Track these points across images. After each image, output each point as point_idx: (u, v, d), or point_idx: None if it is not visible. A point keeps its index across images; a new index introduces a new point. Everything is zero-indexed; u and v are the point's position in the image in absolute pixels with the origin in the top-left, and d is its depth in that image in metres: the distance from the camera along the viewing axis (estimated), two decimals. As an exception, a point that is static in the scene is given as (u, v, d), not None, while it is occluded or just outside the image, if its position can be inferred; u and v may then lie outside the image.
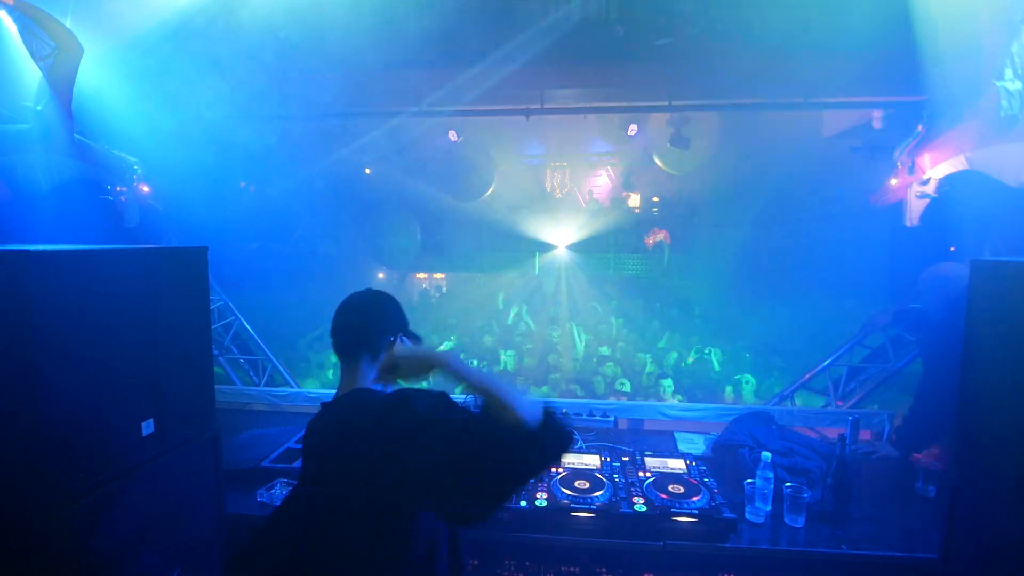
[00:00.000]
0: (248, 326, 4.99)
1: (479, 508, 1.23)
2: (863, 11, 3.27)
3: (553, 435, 1.19)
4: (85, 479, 1.57)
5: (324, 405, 1.46)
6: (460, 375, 1.26)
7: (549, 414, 1.21)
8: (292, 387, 4.63)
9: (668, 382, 5.47)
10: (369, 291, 1.57)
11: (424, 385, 1.37)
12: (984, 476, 1.63)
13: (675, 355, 6.70)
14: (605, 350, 6.66)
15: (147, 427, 1.77)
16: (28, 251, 1.42)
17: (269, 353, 4.87)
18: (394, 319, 1.53)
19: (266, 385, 4.68)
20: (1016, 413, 1.51)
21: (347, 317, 1.49)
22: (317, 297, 8.91)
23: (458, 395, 1.28)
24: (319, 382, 6.09)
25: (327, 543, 1.31)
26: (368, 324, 1.49)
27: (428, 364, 1.33)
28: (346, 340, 1.48)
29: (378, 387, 1.46)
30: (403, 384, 1.39)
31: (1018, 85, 3.01)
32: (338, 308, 1.52)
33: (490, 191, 7.96)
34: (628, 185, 9.81)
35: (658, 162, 7.09)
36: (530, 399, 1.20)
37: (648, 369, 6.24)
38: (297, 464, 2.52)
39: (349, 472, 1.28)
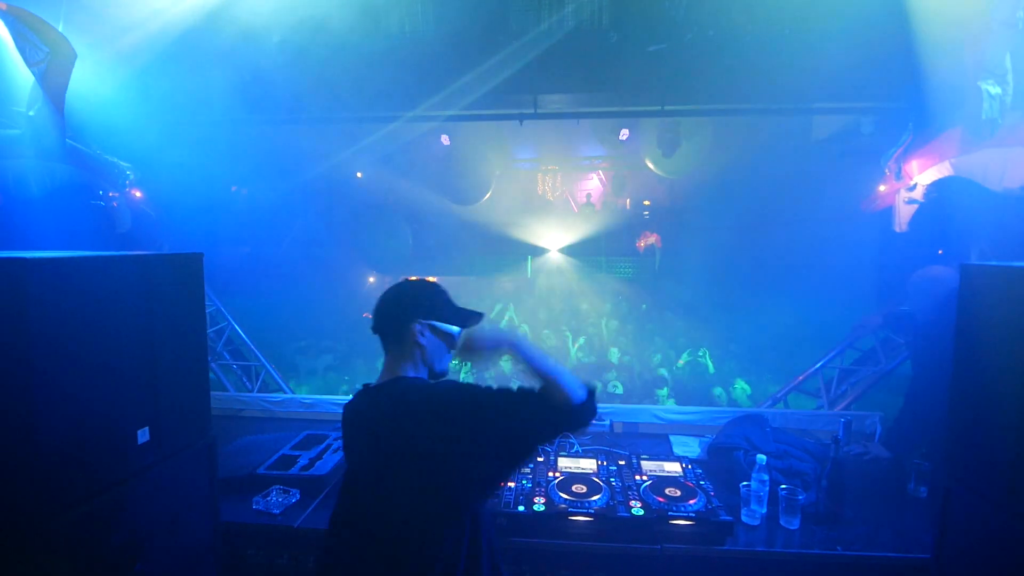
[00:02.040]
0: (241, 331, 4.96)
1: (506, 474, 1.47)
2: (852, 18, 3.32)
3: (584, 414, 1.37)
4: (80, 488, 1.56)
5: (365, 388, 1.56)
6: (527, 361, 1.38)
7: (590, 395, 1.38)
8: (286, 393, 4.60)
9: (664, 391, 5.51)
10: (404, 281, 1.64)
11: (494, 369, 1.57)
12: (975, 477, 1.66)
13: (659, 356, 6.76)
14: (614, 354, 6.66)
15: (143, 435, 1.76)
16: (22, 258, 1.40)
17: (262, 359, 4.84)
18: (418, 307, 1.55)
19: (259, 391, 4.64)
20: (1006, 414, 1.54)
21: (378, 306, 1.58)
22: (309, 302, 8.88)
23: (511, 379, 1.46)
24: (309, 387, 6.05)
25: (375, 524, 1.42)
26: (390, 314, 1.56)
27: (498, 348, 1.44)
28: (377, 328, 1.57)
29: (414, 375, 1.54)
30: (471, 367, 1.62)
31: (999, 90, 3.07)
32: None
33: (488, 195, 7.99)
34: (619, 189, 9.87)
35: (651, 166, 7.14)
36: (578, 382, 1.37)
37: (638, 370, 6.27)
38: (292, 471, 2.52)
39: (395, 454, 1.40)
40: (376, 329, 1.57)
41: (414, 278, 1.66)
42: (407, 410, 1.41)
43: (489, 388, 1.40)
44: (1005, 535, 1.53)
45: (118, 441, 1.68)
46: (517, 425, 1.35)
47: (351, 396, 1.61)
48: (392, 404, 1.45)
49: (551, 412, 1.34)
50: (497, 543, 1.59)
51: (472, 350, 1.46)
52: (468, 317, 1.61)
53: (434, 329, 1.55)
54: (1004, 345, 1.55)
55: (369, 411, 1.50)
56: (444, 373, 1.61)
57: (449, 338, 1.58)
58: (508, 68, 3.85)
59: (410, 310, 1.54)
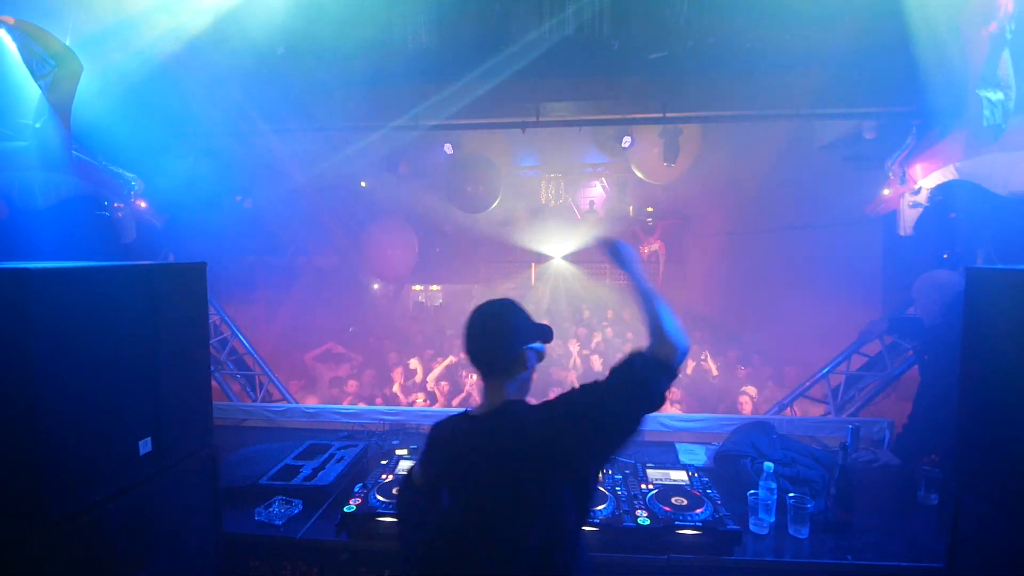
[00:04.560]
0: (244, 341, 4.96)
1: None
2: (853, 23, 3.33)
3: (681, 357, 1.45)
4: (82, 498, 1.55)
5: (467, 415, 1.57)
6: (640, 284, 1.56)
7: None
8: (289, 403, 4.59)
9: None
10: (491, 307, 1.59)
11: None
12: (987, 484, 1.63)
13: None
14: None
15: (145, 445, 1.75)
16: (26, 269, 1.41)
17: (266, 368, 4.84)
18: (520, 335, 1.55)
19: (263, 401, 4.64)
20: (1016, 418, 1.51)
21: (477, 342, 1.54)
22: (314, 310, 8.89)
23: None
24: (319, 397, 6.03)
25: (493, 555, 1.41)
26: (502, 345, 1.53)
27: (626, 266, 1.65)
28: (483, 365, 1.54)
29: (518, 398, 1.55)
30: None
31: (1000, 96, 3.06)
32: (469, 326, 1.55)
33: (496, 202, 8.01)
34: (622, 196, 9.89)
35: (637, 172, 7.15)
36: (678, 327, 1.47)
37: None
38: (295, 482, 2.50)
39: (512, 481, 1.41)
40: (487, 360, 1.54)
41: (497, 300, 1.62)
42: (537, 433, 1.42)
43: (591, 383, 1.46)
44: (1018, 543, 1.50)
45: (120, 451, 1.68)
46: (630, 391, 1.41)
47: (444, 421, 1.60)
48: (519, 428, 1.45)
49: (659, 357, 1.43)
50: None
51: (616, 258, 1.67)
52: (549, 333, 1.63)
53: (536, 353, 1.57)
54: (1011, 349, 1.53)
55: (488, 440, 1.48)
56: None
57: (541, 355, 1.60)
58: (509, 76, 3.87)
59: (520, 338, 1.54)
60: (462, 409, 1.63)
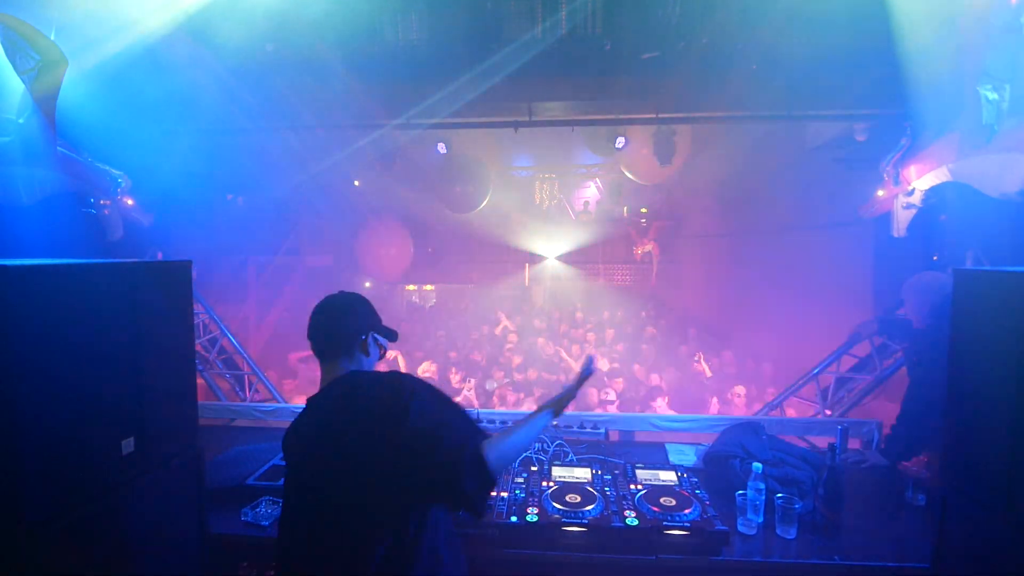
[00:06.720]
0: (234, 340, 4.92)
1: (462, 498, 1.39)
2: (845, 25, 3.34)
3: (476, 490, 1.40)
4: (63, 500, 1.53)
5: (309, 400, 1.59)
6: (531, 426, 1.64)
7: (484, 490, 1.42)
8: (278, 402, 4.56)
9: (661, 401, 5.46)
10: (341, 294, 1.70)
11: None
12: (973, 484, 1.64)
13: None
14: (604, 364, 6.62)
15: (127, 446, 1.73)
16: (5, 266, 1.38)
17: (255, 367, 4.80)
18: (364, 320, 1.65)
19: (252, 400, 4.60)
20: (1001, 420, 1.52)
21: (320, 320, 1.62)
22: (306, 310, 8.85)
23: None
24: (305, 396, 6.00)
25: (341, 536, 1.42)
26: (341, 328, 1.61)
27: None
28: (323, 343, 1.61)
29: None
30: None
31: (996, 96, 3.07)
32: (312, 312, 1.64)
33: (485, 202, 8.00)
34: (616, 197, 9.91)
35: (627, 173, 7.18)
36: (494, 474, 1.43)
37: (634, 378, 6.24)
38: (282, 482, 2.47)
39: (356, 449, 1.41)
40: (326, 342, 1.60)
41: (347, 292, 1.72)
42: (366, 393, 1.47)
43: (439, 403, 1.49)
44: (1003, 543, 1.51)
45: (102, 452, 1.65)
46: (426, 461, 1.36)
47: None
48: (350, 392, 1.49)
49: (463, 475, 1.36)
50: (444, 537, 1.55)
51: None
52: (394, 333, 1.73)
53: (376, 341, 1.68)
54: (998, 351, 1.54)
55: (327, 412, 1.51)
56: None
57: (383, 350, 1.71)
58: (502, 76, 3.87)
59: (361, 322, 1.63)
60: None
